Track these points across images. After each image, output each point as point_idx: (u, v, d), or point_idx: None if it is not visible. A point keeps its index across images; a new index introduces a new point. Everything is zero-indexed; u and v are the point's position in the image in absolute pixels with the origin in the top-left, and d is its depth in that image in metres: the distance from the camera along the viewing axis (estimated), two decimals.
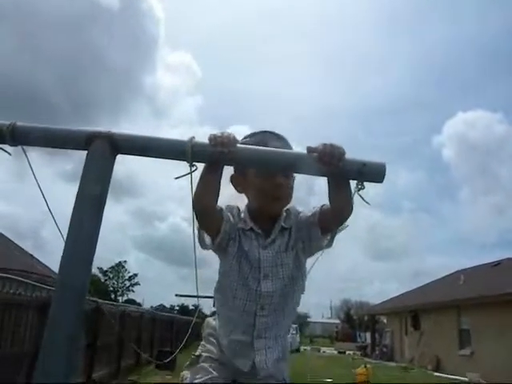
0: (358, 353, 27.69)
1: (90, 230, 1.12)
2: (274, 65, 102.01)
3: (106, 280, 57.08)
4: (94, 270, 52.35)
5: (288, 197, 1.50)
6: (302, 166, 1.21)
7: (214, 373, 1.50)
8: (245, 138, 1.51)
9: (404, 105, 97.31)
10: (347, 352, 28.98)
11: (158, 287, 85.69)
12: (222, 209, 1.43)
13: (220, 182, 1.29)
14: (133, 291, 58.90)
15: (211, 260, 1.59)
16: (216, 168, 1.25)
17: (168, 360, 6.85)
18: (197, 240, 1.43)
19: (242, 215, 1.51)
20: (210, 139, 1.16)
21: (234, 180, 1.55)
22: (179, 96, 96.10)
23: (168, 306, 52.05)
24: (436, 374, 16.38)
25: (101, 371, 9.39)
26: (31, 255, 19.20)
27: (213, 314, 1.80)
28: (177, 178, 1.18)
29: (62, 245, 1.13)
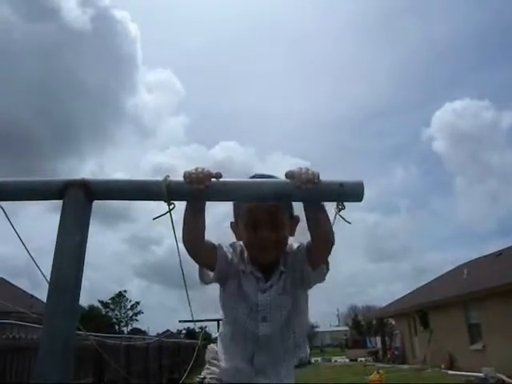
0: (370, 358, 27.40)
1: (72, 280, 1.10)
2: (258, 79, 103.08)
3: (107, 312, 56.27)
4: (95, 303, 51.78)
5: (277, 248, 1.49)
6: (282, 193, 1.20)
7: None
8: None
9: (390, 105, 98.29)
10: (359, 359, 28.66)
11: (162, 313, 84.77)
12: (215, 246, 1.45)
13: (204, 219, 1.29)
14: (136, 320, 58.22)
15: None
16: (196, 205, 1.25)
17: None
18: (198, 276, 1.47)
19: (245, 255, 1.53)
20: (185, 176, 1.15)
21: (232, 227, 1.59)
22: (164, 115, 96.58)
23: (175, 330, 51.40)
24: (450, 372, 16.23)
25: None
26: (31, 295, 19.07)
27: (215, 339, 1.81)
28: (155, 218, 1.17)
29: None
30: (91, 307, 47.53)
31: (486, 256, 21.30)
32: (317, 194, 1.18)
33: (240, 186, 1.20)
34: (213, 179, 1.16)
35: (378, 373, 13.22)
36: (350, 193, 1.18)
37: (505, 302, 14.50)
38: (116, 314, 57.71)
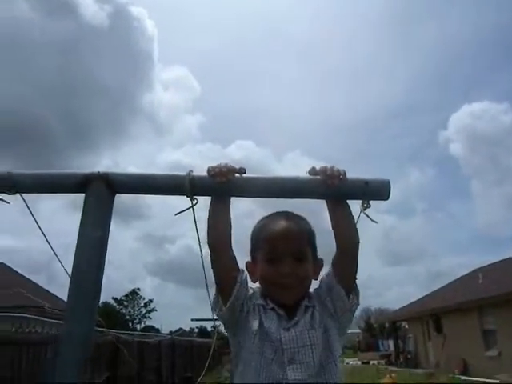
0: (383, 362, 27.12)
1: (93, 276, 1.09)
2: (275, 79, 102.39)
3: (121, 309, 56.77)
4: (109, 300, 52.31)
5: (300, 285, 1.30)
6: (306, 189, 1.18)
7: None
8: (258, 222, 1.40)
9: (408, 107, 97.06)
10: (371, 362, 28.42)
11: (175, 311, 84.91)
12: (239, 268, 1.29)
13: (229, 215, 1.23)
14: (150, 318, 58.63)
15: None
16: (221, 200, 1.21)
17: None
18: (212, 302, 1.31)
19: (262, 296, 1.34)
20: (208, 171, 1.15)
21: (248, 267, 1.38)
22: (179, 113, 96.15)
23: (187, 329, 51.62)
24: (464, 377, 15.98)
25: None
26: (46, 290, 19.37)
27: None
28: (177, 213, 1.15)
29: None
30: (105, 304, 48.01)
31: (502, 260, 20.93)
32: (341, 192, 1.16)
33: (263, 182, 1.19)
34: (236, 174, 1.15)
35: (391, 376, 13.10)
36: (376, 191, 1.16)
37: None
38: (129, 312, 58.23)
